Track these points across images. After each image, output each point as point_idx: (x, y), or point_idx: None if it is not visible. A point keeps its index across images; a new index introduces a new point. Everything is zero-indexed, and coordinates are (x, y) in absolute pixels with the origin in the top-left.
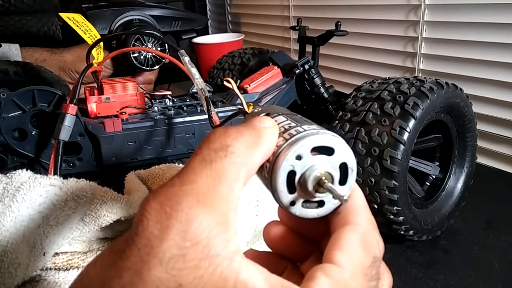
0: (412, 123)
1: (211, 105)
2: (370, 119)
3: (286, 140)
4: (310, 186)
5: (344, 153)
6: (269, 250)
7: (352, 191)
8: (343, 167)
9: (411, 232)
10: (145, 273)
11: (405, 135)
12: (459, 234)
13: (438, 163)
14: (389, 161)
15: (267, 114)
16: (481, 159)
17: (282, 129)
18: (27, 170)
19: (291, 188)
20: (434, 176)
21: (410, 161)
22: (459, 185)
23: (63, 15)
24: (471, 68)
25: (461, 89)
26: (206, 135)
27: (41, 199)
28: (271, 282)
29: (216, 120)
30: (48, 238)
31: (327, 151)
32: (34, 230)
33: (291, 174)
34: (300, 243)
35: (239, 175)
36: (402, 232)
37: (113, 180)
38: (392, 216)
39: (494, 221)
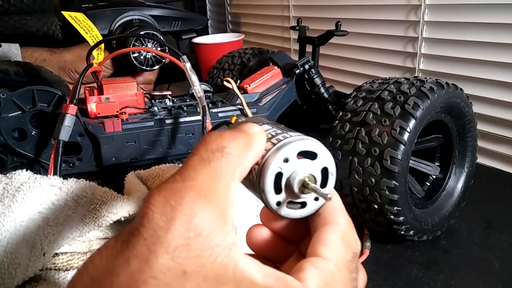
0: (412, 123)
1: (207, 114)
2: (370, 119)
3: (274, 144)
4: (295, 187)
5: (326, 158)
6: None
7: (331, 194)
8: (324, 171)
9: (411, 232)
10: (153, 260)
11: (406, 135)
12: (459, 234)
13: (438, 163)
14: (389, 161)
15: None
16: (481, 159)
17: (269, 135)
18: (27, 170)
19: (277, 189)
20: (434, 176)
21: (411, 161)
22: (459, 185)
23: (65, 13)
24: (471, 68)
25: (461, 89)
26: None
27: (41, 200)
28: (265, 271)
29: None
30: (48, 238)
31: (311, 155)
32: (34, 230)
33: (278, 176)
34: (281, 245)
35: (235, 174)
36: (403, 232)
37: (113, 180)
38: (392, 216)
39: (494, 221)
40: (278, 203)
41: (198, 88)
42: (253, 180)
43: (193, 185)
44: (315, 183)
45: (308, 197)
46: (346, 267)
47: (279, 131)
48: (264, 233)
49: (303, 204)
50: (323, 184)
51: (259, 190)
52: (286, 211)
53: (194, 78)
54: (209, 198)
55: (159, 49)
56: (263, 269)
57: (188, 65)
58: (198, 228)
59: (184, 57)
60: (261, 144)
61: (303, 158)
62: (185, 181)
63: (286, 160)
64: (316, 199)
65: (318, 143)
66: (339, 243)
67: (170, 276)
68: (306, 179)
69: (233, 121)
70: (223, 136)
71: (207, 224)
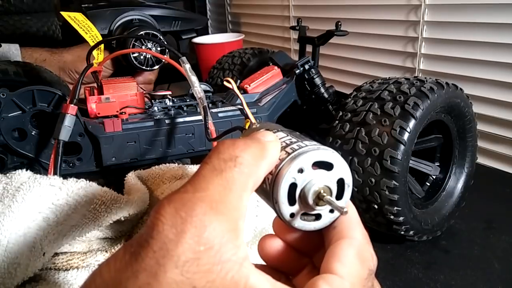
0: (412, 123)
1: (209, 115)
2: (370, 119)
3: (289, 154)
4: (310, 199)
5: (342, 169)
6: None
7: (347, 207)
8: (340, 183)
9: (411, 232)
10: (161, 275)
11: (405, 135)
12: (459, 234)
13: (438, 163)
14: (389, 161)
15: (267, 130)
16: (481, 159)
17: (284, 144)
18: (27, 170)
19: (291, 200)
20: (434, 176)
21: (410, 161)
22: (459, 185)
23: (64, 14)
24: (471, 68)
25: (461, 89)
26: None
27: (41, 199)
28: None
29: (213, 131)
30: (47, 238)
31: (327, 166)
32: (33, 230)
33: (292, 187)
34: (294, 257)
35: (247, 185)
36: (403, 233)
37: (113, 180)
38: (392, 217)
39: (494, 221)
40: (292, 215)
41: (198, 89)
42: (267, 190)
43: (204, 196)
44: (331, 195)
45: (323, 209)
46: (361, 286)
47: (294, 140)
48: (276, 245)
49: (318, 216)
50: (339, 196)
51: (272, 200)
52: (299, 223)
53: (194, 79)
54: (220, 210)
55: (159, 49)
56: (275, 286)
57: (187, 66)
58: (208, 242)
59: (184, 58)
60: (275, 153)
61: (318, 168)
62: (196, 192)
63: (300, 171)
64: (331, 211)
65: (334, 153)
66: (354, 259)
67: None
68: (321, 191)
69: (246, 127)
70: (236, 145)
71: (218, 238)
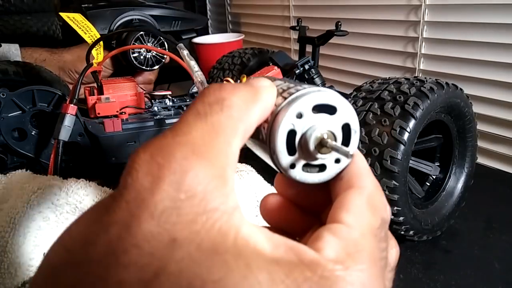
0: (412, 123)
1: None
2: (370, 119)
3: (285, 98)
4: (311, 146)
5: (347, 112)
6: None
7: (354, 156)
8: (346, 128)
9: (411, 232)
10: (135, 226)
11: (405, 135)
12: (459, 234)
13: (438, 163)
14: (389, 161)
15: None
16: (481, 159)
17: (281, 90)
18: (26, 170)
19: (291, 149)
20: (434, 176)
21: (410, 161)
22: (459, 185)
23: (63, 14)
24: (471, 68)
25: (461, 89)
26: None
27: (41, 199)
28: (274, 240)
29: None
30: (48, 238)
31: (329, 110)
32: (34, 230)
33: (291, 134)
34: (299, 215)
35: (237, 130)
36: (402, 233)
37: (113, 180)
38: (392, 216)
39: (494, 221)
40: (292, 166)
41: (199, 72)
42: (263, 141)
43: (185, 140)
44: (335, 141)
45: (328, 159)
46: (373, 235)
47: (292, 85)
48: (279, 202)
49: (322, 167)
50: (345, 143)
51: (270, 151)
52: (301, 175)
53: (193, 63)
54: (204, 155)
55: (159, 48)
56: (272, 238)
57: (185, 52)
58: (190, 189)
59: (181, 45)
60: (269, 98)
61: (320, 113)
62: (176, 136)
63: (299, 116)
64: (337, 161)
65: (337, 95)
66: (364, 207)
67: (155, 244)
68: (325, 136)
69: (244, 81)
70: (224, 87)
71: (202, 185)
